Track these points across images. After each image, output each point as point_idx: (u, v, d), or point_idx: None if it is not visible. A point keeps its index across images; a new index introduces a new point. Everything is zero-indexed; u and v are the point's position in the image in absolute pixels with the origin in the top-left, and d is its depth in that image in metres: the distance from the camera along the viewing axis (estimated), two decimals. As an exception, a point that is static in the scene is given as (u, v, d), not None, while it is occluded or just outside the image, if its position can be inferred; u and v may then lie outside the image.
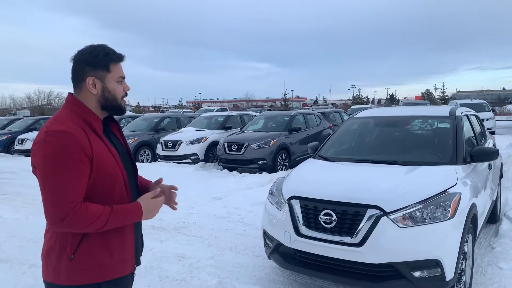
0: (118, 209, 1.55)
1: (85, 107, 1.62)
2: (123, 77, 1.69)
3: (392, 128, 4.44)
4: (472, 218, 3.24)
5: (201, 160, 10.64)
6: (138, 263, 1.84)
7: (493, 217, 5.04)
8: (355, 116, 4.87)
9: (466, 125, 4.27)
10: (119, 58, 1.68)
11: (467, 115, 4.50)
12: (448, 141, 3.82)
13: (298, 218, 3.21)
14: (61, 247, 1.54)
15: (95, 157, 1.53)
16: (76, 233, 1.53)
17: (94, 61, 1.61)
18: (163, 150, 10.93)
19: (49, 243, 1.58)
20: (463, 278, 3.05)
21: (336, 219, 3.00)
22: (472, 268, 3.40)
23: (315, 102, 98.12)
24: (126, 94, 1.72)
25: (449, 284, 2.87)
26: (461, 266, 3.00)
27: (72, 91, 1.69)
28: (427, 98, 66.84)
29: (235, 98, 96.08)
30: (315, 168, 3.95)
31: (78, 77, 1.63)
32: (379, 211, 2.89)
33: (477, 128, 4.84)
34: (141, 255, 1.92)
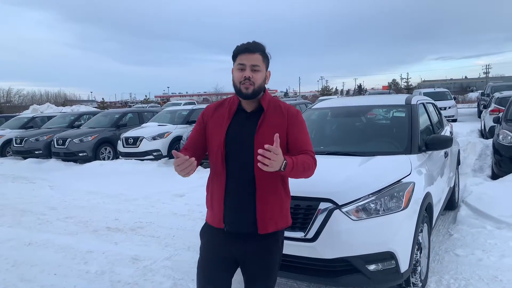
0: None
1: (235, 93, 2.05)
2: (243, 65, 1.95)
3: (348, 118, 4.36)
4: (426, 207, 3.20)
5: (164, 156, 10.33)
6: (244, 229, 2.01)
7: (452, 204, 5.09)
8: (312, 107, 4.76)
9: (422, 113, 4.25)
10: (240, 49, 1.97)
11: (423, 103, 4.47)
12: (403, 130, 3.77)
13: (251, 214, 3.07)
14: None
15: (208, 125, 2.06)
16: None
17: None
18: (124, 146, 10.56)
19: None
20: (418, 268, 3.00)
21: (289, 214, 2.88)
22: (428, 258, 3.37)
23: (286, 94, 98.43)
24: (245, 80, 1.93)
25: (404, 276, 2.81)
26: (416, 257, 2.95)
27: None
28: (393, 88, 68.25)
29: (204, 92, 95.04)
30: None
31: None
32: (331, 204, 2.78)
33: (434, 116, 4.84)
34: (246, 220, 2.01)
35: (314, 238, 2.76)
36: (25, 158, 12.28)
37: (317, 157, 3.66)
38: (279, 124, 2.00)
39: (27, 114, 19.64)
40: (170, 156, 10.47)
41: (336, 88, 75.86)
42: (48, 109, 29.43)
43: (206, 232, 2.15)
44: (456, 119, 18.10)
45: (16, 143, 12.51)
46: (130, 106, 45.89)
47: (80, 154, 11.10)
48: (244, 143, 1.96)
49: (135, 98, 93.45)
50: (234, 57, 2.00)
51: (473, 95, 44.96)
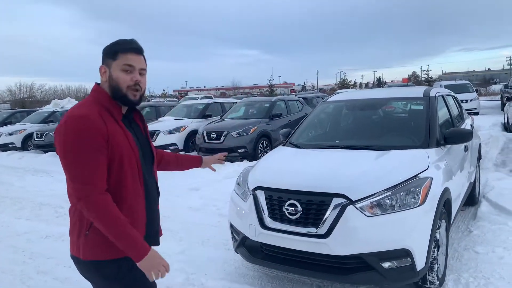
0: (130, 230, 1.55)
1: (105, 93, 1.69)
2: (131, 66, 1.67)
3: (364, 111, 4.24)
4: (445, 203, 3.09)
5: (181, 150, 10.37)
6: (156, 243, 1.85)
7: (472, 200, 4.93)
8: (327, 100, 4.66)
9: (441, 106, 4.11)
10: (126, 47, 1.68)
11: (442, 96, 4.33)
12: (421, 123, 3.65)
13: (263, 209, 3.02)
14: (80, 224, 1.64)
15: (110, 140, 1.59)
16: None
17: (105, 50, 1.70)
18: (140, 141, 10.62)
19: (73, 220, 1.69)
20: (436, 266, 2.91)
21: (301, 209, 2.83)
22: (446, 255, 3.26)
23: (303, 87, 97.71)
24: (135, 85, 1.68)
25: (420, 274, 2.73)
26: (433, 254, 2.85)
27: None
28: (414, 80, 66.87)
29: (222, 86, 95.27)
30: (283, 156, 3.75)
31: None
32: (345, 200, 2.71)
33: (454, 109, 4.68)
34: (161, 235, 1.96)
35: (326, 234, 2.70)
36: (45, 152, 12.50)
37: (331, 151, 3.61)
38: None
39: (48, 108, 20.01)
40: (186, 149, 10.52)
41: (354, 81, 75.02)
42: (69, 103, 29.90)
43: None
44: (478, 112, 17.62)
45: (37, 137, 12.75)
46: (148, 101, 46.37)
47: (98, 148, 11.24)
48: (145, 152, 1.80)
49: (153, 93, 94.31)
50: (114, 54, 1.67)
51: (497, 87, 43.68)
